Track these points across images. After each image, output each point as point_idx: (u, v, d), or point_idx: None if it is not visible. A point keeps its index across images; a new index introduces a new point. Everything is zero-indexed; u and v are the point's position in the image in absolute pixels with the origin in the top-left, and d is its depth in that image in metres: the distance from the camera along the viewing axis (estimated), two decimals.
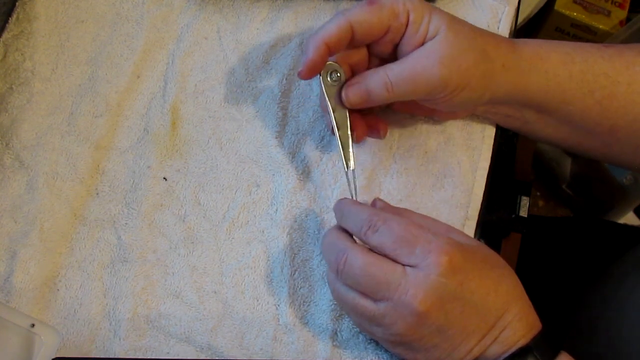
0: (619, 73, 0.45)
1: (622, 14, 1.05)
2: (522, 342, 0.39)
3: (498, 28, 0.54)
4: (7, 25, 0.53)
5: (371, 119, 0.48)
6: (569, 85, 0.45)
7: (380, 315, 0.39)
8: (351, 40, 0.44)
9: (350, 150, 0.45)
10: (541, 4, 1.02)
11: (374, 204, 0.46)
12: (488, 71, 0.43)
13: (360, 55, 0.46)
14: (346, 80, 0.45)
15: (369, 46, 0.46)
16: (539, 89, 0.45)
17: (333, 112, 0.45)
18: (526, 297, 0.41)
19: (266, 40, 0.53)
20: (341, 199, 0.44)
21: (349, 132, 0.45)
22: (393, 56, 0.46)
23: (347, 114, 0.45)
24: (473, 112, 0.50)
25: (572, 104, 0.45)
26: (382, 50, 0.45)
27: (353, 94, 0.44)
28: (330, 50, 0.43)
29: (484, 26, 0.54)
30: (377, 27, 0.43)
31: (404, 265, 0.39)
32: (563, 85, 0.45)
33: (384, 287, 0.38)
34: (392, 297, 0.38)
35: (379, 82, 0.43)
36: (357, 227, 0.41)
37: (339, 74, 0.45)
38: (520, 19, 0.58)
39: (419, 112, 0.50)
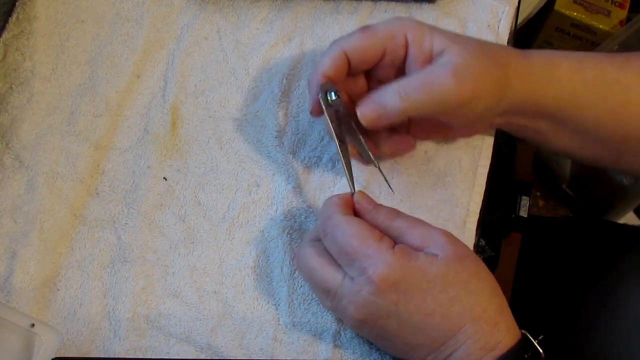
0: (631, 80, 0.45)
1: (622, 14, 1.06)
2: None
3: (498, 28, 0.54)
4: (7, 25, 0.53)
5: (397, 136, 0.48)
6: (583, 92, 0.45)
7: (330, 309, 0.43)
8: (349, 69, 0.44)
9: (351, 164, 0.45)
10: (541, 4, 1.02)
11: (357, 205, 0.44)
12: (501, 77, 0.43)
13: (359, 83, 0.46)
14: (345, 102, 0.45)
15: (370, 72, 0.46)
16: (554, 96, 0.45)
17: (335, 134, 0.44)
18: (487, 315, 0.39)
19: (266, 40, 0.53)
20: (331, 197, 0.44)
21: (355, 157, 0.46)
22: (395, 78, 0.45)
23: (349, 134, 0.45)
24: (491, 126, 0.49)
25: (585, 111, 0.45)
26: (383, 74, 0.45)
27: (367, 110, 0.43)
28: (331, 82, 0.43)
29: (484, 26, 0.54)
30: (372, 52, 0.43)
31: (345, 273, 0.40)
32: (577, 92, 0.45)
33: (325, 293, 0.41)
34: (332, 301, 0.41)
35: (392, 93, 0.42)
36: (318, 226, 0.43)
37: (339, 94, 0.44)
38: (520, 19, 0.58)
39: (437, 133, 0.49)
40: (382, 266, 0.38)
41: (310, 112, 0.45)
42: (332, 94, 0.44)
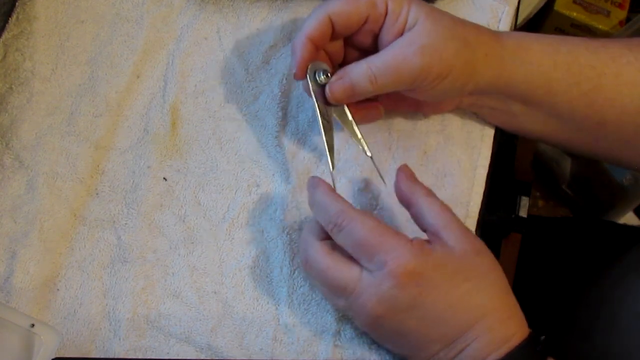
0: (605, 65, 0.44)
1: (622, 14, 1.06)
2: (493, 357, 0.38)
3: (498, 28, 0.54)
4: (7, 25, 0.53)
5: (366, 103, 0.48)
6: (554, 76, 0.44)
7: (343, 308, 0.42)
8: (332, 33, 0.44)
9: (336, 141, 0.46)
10: (541, 4, 1.02)
11: (400, 171, 0.44)
12: (470, 59, 0.43)
13: (336, 46, 0.47)
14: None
15: (348, 37, 0.46)
16: (524, 79, 0.45)
17: (319, 112, 0.45)
18: (503, 308, 0.40)
19: (266, 40, 0.53)
20: (315, 183, 0.43)
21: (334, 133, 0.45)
22: (372, 46, 0.46)
23: (338, 113, 0.46)
24: (458, 105, 0.49)
25: (557, 95, 0.45)
26: (361, 40, 0.46)
27: (337, 89, 0.44)
28: (315, 45, 0.44)
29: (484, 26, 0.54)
30: (356, 17, 0.44)
31: (362, 267, 0.40)
32: (548, 75, 0.44)
33: (340, 290, 0.40)
34: (348, 298, 0.40)
35: (363, 75, 0.43)
36: (325, 221, 0.41)
37: (328, 74, 0.45)
38: (520, 19, 0.58)
39: (404, 106, 0.49)
40: (403, 260, 0.38)
41: (294, 76, 0.45)
42: (321, 73, 0.45)
